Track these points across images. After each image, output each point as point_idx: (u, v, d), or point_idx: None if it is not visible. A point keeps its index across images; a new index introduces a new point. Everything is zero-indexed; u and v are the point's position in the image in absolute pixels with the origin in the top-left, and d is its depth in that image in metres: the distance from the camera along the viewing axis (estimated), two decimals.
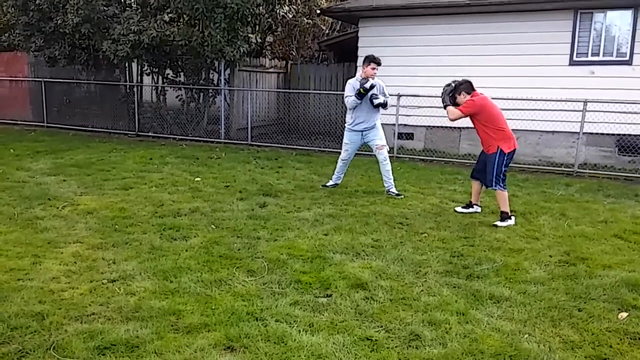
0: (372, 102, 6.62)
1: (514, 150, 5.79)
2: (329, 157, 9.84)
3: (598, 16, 9.52)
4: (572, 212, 6.22)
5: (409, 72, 10.55)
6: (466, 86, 5.82)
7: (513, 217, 5.68)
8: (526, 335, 3.24)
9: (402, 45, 10.72)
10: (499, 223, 5.59)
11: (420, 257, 4.54)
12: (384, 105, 6.69)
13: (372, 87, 6.57)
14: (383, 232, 5.27)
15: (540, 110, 9.50)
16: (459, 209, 6.18)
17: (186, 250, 4.56)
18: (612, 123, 8.93)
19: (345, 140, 7.04)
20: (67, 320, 3.28)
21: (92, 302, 3.54)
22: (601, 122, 8.97)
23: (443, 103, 5.91)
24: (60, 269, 4.08)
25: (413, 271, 4.24)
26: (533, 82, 9.75)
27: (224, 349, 3.00)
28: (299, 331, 3.20)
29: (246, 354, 2.95)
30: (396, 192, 6.81)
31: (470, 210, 6.12)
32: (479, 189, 6.10)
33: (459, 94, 5.78)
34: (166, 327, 3.21)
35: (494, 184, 5.69)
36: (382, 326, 3.31)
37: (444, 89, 5.92)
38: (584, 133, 8.95)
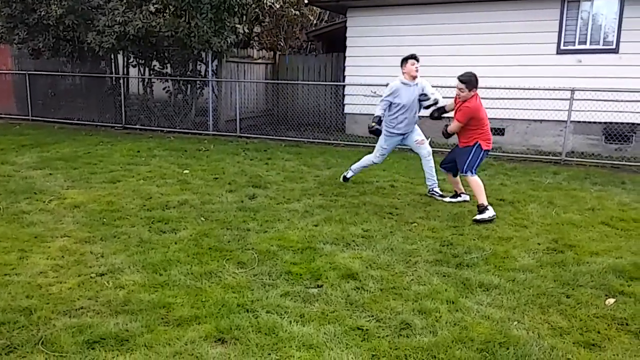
0: (421, 105, 6.25)
1: (488, 151, 5.70)
2: (318, 148, 9.82)
3: (585, 5, 9.56)
4: (560, 200, 6.27)
5: (396, 62, 10.50)
6: (472, 83, 5.51)
7: (490, 208, 5.42)
8: (515, 322, 3.27)
9: (390, 35, 10.69)
10: (478, 217, 5.34)
11: (410, 247, 4.56)
12: (434, 104, 6.23)
13: (376, 131, 6.21)
14: (373, 222, 5.27)
15: (529, 99, 9.53)
16: (447, 199, 6.14)
17: (175, 243, 4.53)
18: (599, 111, 9.01)
19: (383, 145, 6.43)
20: (55, 314, 3.25)
21: (81, 296, 3.51)
22: (588, 111, 9.04)
23: (431, 117, 5.99)
24: (48, 264, 4.04)
25: (403, 260, 4.26)
26: (521, 71, 9.78)
27: (215, 341, 2.99)
28: (290, 322, 3.20)
29: (237, 346, 2.94)
30: (439, 192, 6.29)
31: (459, 199, 6.09)
32: (456, 178, 6.10)
33: (470, 90, 5.47)
34: (156, 320, 3.19)
35: (465, 169, 5.61)
36: (372, 316, 3.32)
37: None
38: (571, 121, 9.00)
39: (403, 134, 6.33)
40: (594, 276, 3.98)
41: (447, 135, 5.86)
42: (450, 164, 5.99)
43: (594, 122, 9.51)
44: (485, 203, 5.43)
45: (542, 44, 9.75)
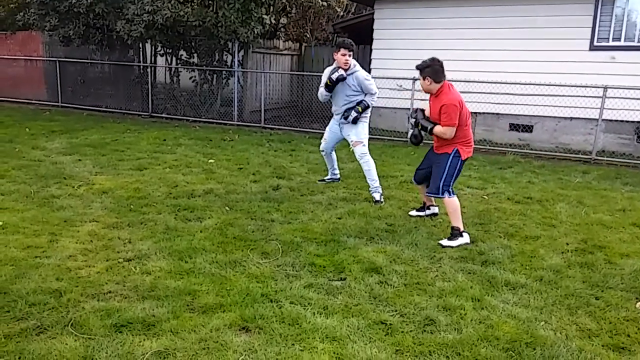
0: (346, 119, 5.82)
1: (467, 159, 4.82)
2: (342, 141, 9.78)
3: (620, 0, 9.28)
4: (590, 199, 6.13)
5: (425, 56, 10.36)
6: (434, 70, 4.54)
7: (466, 234, 4.58)
8: (542, 323, 3.22)
9: (418, 28, 10.55)
10: (444, 242, 4.45)
11: (435, 243, 4.51)
12: (355, 119, 5.75)
13: (341, 78, 5.63)
14: (397, 216, 5.24)
15: (559, 96, 9.34)
16: (413, 212, 5.29)
17: (201, 232, 4.57)
18: (632, 110, 8.76)
19: (367, 131, 5.96)
20: (84, 297, 3.31)
21: (109, 280, 3.57)
22: (621, 109, 8.80)
23: (423, 128, 4.78)
24: (77, 247, 4.12)
25: (427, 256, 4.22)
26: (552, 67, 9.57)
27: (239, 330, 3.02)
28: (314, 313, 3.20)
29: (261, 335, 2.96)
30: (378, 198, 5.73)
31: (427, 212, 5.24)
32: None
33: (424, 79, 4.60)
34: (182, 306, 3.23)
35: (441, 191, 4.62)
36: (396, 310, 3.30)
37: (414, 116, 4.86)
38: (603, 120, 8.79)
39: (337, 120, 6.00)
40: (624, 278, 3.89)
41: (430, 129, 4.72)
42: (424, 178, 5.01)
43: (627, 121, 9.26)
44: (462, 228, 4.57)
45: (574, 40, 9.51)
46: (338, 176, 6.59)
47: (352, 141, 5.94)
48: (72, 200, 5.38)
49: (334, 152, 6.44)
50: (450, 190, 4.67)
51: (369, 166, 5.84)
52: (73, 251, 4.04)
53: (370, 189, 5.85)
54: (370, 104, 5.83)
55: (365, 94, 5.82)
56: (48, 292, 3.35)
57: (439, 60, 4.60)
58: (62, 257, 3.91)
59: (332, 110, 6.12)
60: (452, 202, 4.65)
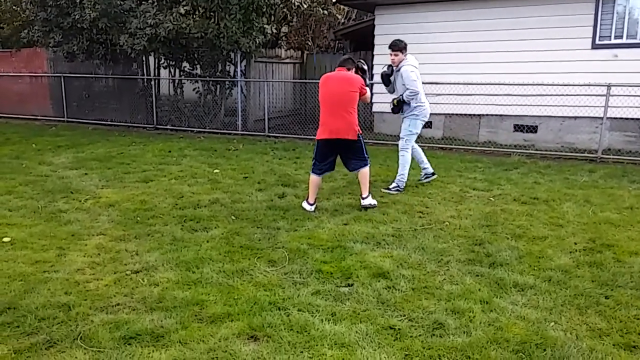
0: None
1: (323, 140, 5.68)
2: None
3: None
4: (597, 198, 6.10)
5: (427, 60, 10.35)
6: (351, 62, 5.63)
7: (313, 205, 5.55)
8: (552, 324, 3.20)
9: (419, 32, 10.57)
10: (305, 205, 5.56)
11: (442, 246, 4.50)
12: (393, 109, 6.50)
13: (384, 74, 6.42)
14: (403, 221, 5.23)
15: (563, 95, 9.31)
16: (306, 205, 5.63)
17: (207, 241, 4.58)
18: (636, 107, 8.71)
19: (414, 129, 6.45)
20: (92, 310, 3.32)
21: (117, 292, 3.58)
22: (625, 107, 8.76)
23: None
24: (85, 261, 4.14)
25: (435, 260, 4.21)
26: (555, 67, 9.55)
27: (248, 339, 3.02)
28: (322, 320, 3.20)
29: (270, 343, 2.96)
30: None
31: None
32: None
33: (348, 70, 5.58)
34: (190, 317, 3.24)
35: (368, 161, 5.68)
36: (404, 315, 3.29)
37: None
38: (607, 118, 8.75)
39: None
40: (634, 276, 3.86)
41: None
42: (330, 165, 5.75)
43: (632, 119, 9.21)
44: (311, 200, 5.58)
45: (576, 39, 9.49)
46: (429, 169, 6.82)
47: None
48: (79, 214, 5.41)
49: (414, 148, 6.69)
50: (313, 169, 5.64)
51: (402, 161, 6.40)
52: (81, 265, 4.06)
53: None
54: (405, 98, 6.25)
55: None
56: (57, 306, 3.37)
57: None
58: (71, 271, 3.94)
59: (425, 111, 6.52)
60: (365, 172, 5.63)
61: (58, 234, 4.76)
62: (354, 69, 5.64)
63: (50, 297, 3.49)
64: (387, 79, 6.47)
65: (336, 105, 5.44)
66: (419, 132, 6.54)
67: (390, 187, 6.37)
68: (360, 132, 5.62)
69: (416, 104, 6.31)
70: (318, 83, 5.77)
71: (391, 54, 6.30)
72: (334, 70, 5.74)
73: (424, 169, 6.83)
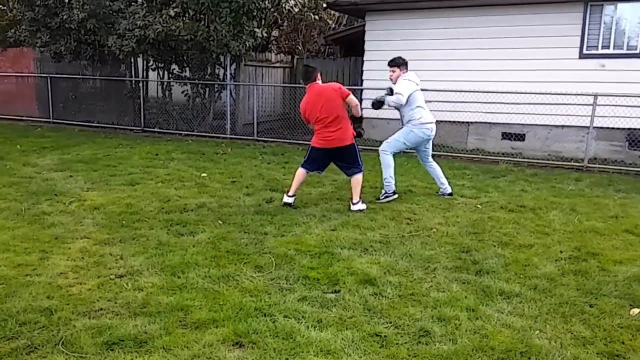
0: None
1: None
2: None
3: (608, 9, 9.41)
4: (583, 207, 6.15)
5: (416, 67, 10.29)
6: (312, 70, 5.78)
7: (292, 198, 5.84)
8: (537, 332, 3.20)
9: (409, 39, 10.63)
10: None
11: (429, 253, 4.51)
12: (372, 104, 6.30)
13: (377, 101, 6.24)
14: (391, 227, 5.23)
15: (550, 104, 9.40)
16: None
17: (193, 246, 4.54)
18: (622, 117, 8.83)
19: (402, 139, 6.28)
20: (75, 315, 3.27)
21: (100, 297, 3.53)
22: (612, 116, 8.86)
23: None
24: (68, 265, 4.08)
25: (422, 267, 4.21)
26: (543, 76, 9.66)
27: (233, 345, 2.98)
28: (308, 327, 3.18)
29: (255, 350, 2.93)
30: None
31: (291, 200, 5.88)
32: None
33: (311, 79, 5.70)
34: (174, 322, 3.20)
35: (362, 167, 5.82)
36: (391, 322, 3.28)
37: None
38: (594, 127, 8.85)
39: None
40: (618, 285, 3.89)
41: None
42: (323, 168, 6.10)
43: (618, 128, 9.33)
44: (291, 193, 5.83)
45: (564, 48, 9.62)
46: (447, 190, 6.53)
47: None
48: (63, 217, 5.34)
49: (429, 164, 6.56)
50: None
51: (383, 164, 6.30)
52: (64, 268, 4.00)
53: None
54: (388, 101, 6.15)
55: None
56: (39, 310, 3.31)
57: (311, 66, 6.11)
58: (53, 275, 3.87)
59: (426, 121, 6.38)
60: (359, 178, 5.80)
61: (41, 237, 4.69)
62: (318, 73, 5.77)
63: (32, 301, 3.43)
64: (378, 104, 6.25)
65: (326, 117, 5.59)
66: (409, 145, 6.34)
67: (381, 196, 6.30)
68: (355, 134, 5.75)
69: (418, 122, 6.20)
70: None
71: (389, 70, 6.29)
72: (322, 74, 5.88)
73: (441, 185, 6.55)
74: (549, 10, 9.65)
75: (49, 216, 5.33)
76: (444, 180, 6.55)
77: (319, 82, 5.75)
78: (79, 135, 11.54)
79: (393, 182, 6.33)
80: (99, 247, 4.48)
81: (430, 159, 6.54)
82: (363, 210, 5.73)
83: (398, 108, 6.24)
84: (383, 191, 6.33)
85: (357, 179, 5.80)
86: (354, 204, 5.77)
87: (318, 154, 5.83)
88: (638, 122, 8.99)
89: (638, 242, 4.92)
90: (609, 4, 9.37)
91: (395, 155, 6.40)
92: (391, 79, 6.31)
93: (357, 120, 5.92)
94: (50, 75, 13.48)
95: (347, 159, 5.81)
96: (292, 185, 5.90)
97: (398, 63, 6.25)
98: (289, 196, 5.86)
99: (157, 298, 3.52)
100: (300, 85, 13.12)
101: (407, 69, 6.29)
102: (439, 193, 6.58)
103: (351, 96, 5.64)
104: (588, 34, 9.53)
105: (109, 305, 3.41)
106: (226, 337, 3.03)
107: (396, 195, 6.30)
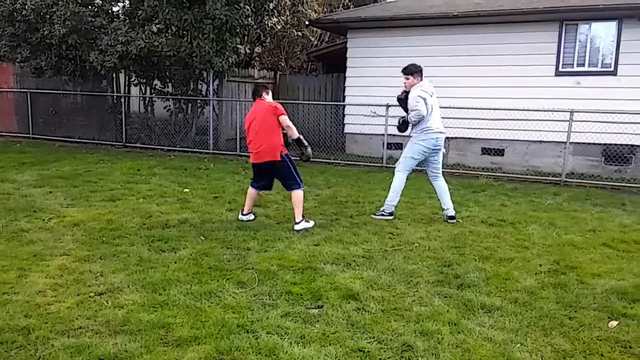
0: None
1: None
2: (319, 168, 9.84)
3: (583, 27, 9.68)
4: (561, 221, 6.26)
5: (398, 83, 10.53)
6: (262, 87, 5.90)
7: (246, 216, 5.92)
8: (518, 345, 3.24)
9: (390, 55, 10.78)
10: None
11: (411, 267, 4.53)
12: (398, 127, 6.26)
13: (399, 98, 6.19)
14: (374, 242, 5.25)
15: (528, 120, 9.60)
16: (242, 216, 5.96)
17: (175, 262, 4.50)
18: (598, 133, 9.05)
19: (411, 154, 6.09)
20: (53, 334, 3.21)
21: (79, 315, 3.47)
22: (587, 132, 9.08)
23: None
24: (47, 282, 4.01)
25: (404, 281, 4.23)
26: (520, 93, 9.87)
27: None
28: (290, 343, 3.17)
29: None
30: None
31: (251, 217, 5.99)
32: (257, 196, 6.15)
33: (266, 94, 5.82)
34: (155, 340, 3.16)
35: (300, 184, 5.75)
36: (374, 337, 3.29)
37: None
38: (570, 143, 9.05)
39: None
40: (597, 298, 3.95)
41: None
42: (268, 186, 6.09)
43: (594, 144, 9.55)
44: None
45: (541, 66, 9.85)
46: (449, 212, 6.14)
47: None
48: (42, 233, 5.26)
49: (435, 181, 6.24)
50: (301, 183, 5.83)
51: (393, 185, 6.21)
52: (42, 286, 3.93)
53: None
54: (409, 119, 6.06)
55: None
56: (16, 329, 3.25)
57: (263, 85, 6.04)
58: (31, 293, 3.80)
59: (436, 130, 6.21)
60: (300, 193, 5.73)
61: (19, 254, 4.61)
62: (268, 91, 5.88)
63: (9, 320, 3.36)
64: (401, 103, 6.17)
65: (255, 133, 5.66)
66: (418, 158, 6.09)
67: (377, 212, 6.26)
68: (286, 152, 5.74)
69: (422, 129, 6.01)
70: (290, 104, 5.86)
71: (403, 78, 6.11)
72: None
73: (443, 205, 6.22)
74: (526, 29, 9.90)
75: (28, 233, 5.25)
76: (448, 202, 6.16)
77: (267, 98, 5.80)
78: (59, 150, 11.39)
79: (394, 203, 6.18)
80: (78, 264, 4.42)
81: (440, 175, 6.20)
82: (308, 228, 5.57)
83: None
84: (381, 208, 6.25)
85: (296, 194, 5.66)
86: (296, 223, 5.59)
87: (254, 170, 5.91)
88: (613, 137, 9.21)
89: (615, 256, 5.02)
90: (583, 24, 9.65)
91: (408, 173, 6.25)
92: (405, 86, 6.10)
93: (299, 143, 5.86)
94: (30, 90, 13.34)
95: (280, 174, 5.77)
96: (245, 204, 5.99)
97: (412, 71, 6.04)
98: (243, 214, 5.93)
99: (137, 316, 3.47)
100: (282, 101, 13.18)
101: (421, 77, 6.06)
102: (443, 214, 6.26)
103: (283, 117, 5.60)
104: (564, 52, 9.78)
105: (89, 324, 3.36)
106: (208, 355, 3.01)
107: (392, 217, 6.17)
